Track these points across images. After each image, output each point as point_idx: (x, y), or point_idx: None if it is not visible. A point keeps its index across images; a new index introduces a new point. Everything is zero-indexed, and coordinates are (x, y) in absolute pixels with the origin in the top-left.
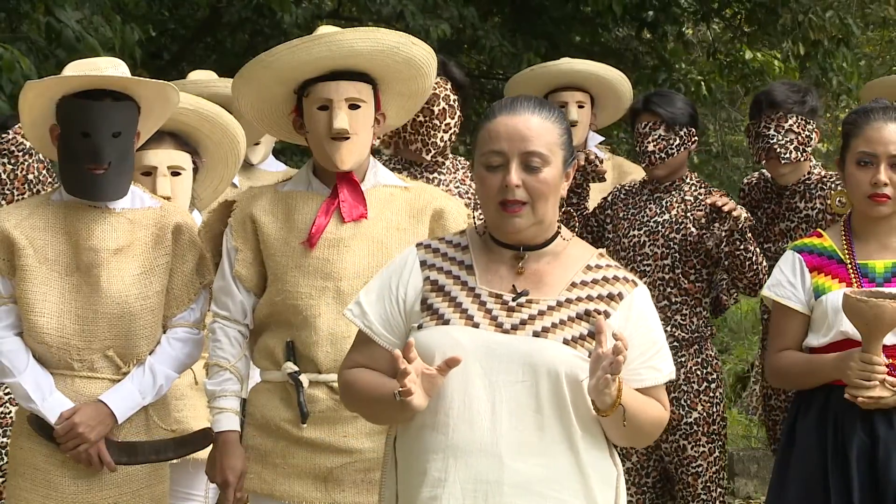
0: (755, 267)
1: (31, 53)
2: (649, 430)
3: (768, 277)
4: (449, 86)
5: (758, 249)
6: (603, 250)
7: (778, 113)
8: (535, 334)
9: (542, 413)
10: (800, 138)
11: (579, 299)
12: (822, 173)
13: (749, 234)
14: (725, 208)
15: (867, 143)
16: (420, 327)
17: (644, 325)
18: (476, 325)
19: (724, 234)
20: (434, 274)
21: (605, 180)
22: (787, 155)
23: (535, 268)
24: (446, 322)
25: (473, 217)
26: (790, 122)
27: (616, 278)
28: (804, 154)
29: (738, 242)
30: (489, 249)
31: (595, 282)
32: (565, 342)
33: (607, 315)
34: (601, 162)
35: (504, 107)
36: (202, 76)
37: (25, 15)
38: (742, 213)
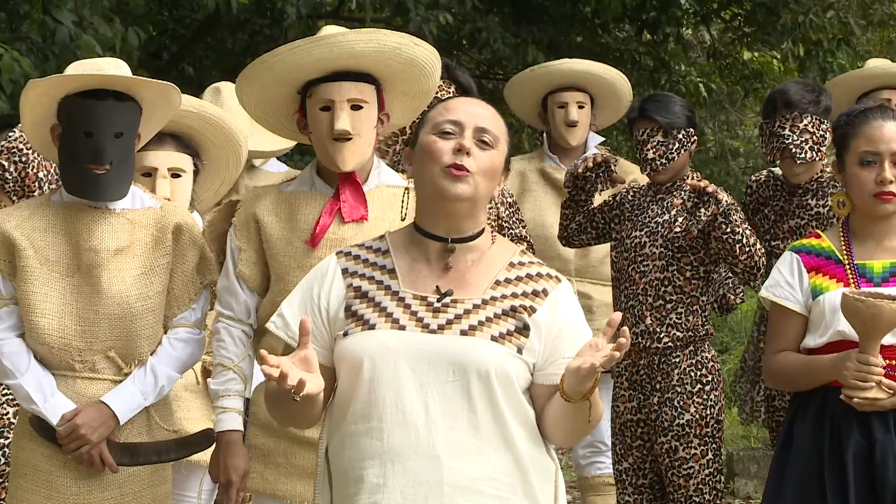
0: (747, 249)
1: (31, 53)
2: (591, 427)
3: (765, 260)
4: (452, 89)
5: (748, 231)
6: (524, 247)
7: (793, 113)
8: (463, 333)
9: (475, 412)
10: (814, 138)
11: (504, 297)
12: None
13: (734, 217)
14: (709, 189)
15: (869, 142)
16: (346, 334)
17: (571, 320)
18: (402, 328)
19: (708, 218)
20: (356, 281)
21: (617, 185)
22: (803, 155)
23: (459, 267)
24: (372, 327)
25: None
26: (805, 121)
27: (539, 275)
28: (819, 154)
29: (723, 226)
30: (412, 249)
31: (519, 279)
32: (493, 339)
33: (533, 310)
34: (616, 162)
35: (459, 96)
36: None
37: (25, 15)
38: (724, 195)
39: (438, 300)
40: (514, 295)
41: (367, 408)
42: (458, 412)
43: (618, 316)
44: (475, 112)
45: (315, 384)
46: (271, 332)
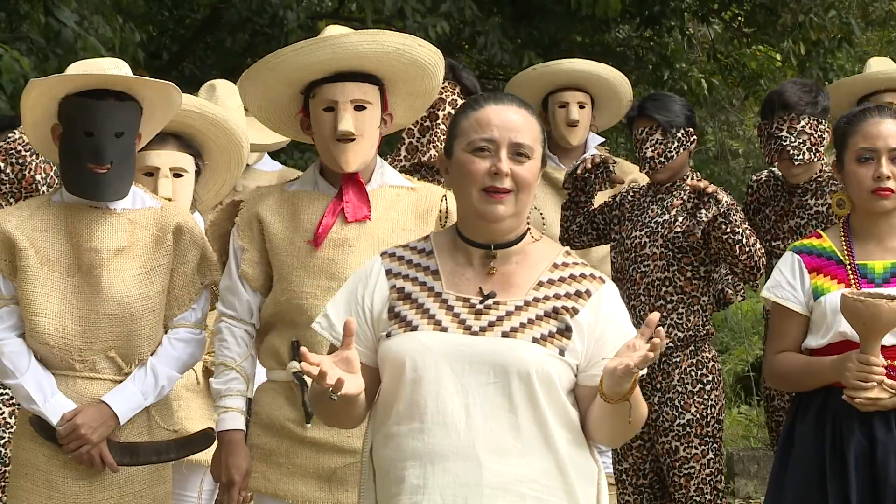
0: (747, 249)
1: (32, 54)
2: (635, 428)
3: (765, 259)
4: (457, 90)
5: (748, 231)
6: (568, 248)
7: (790, 114)
8: (504, 335)
9: (515, 413)
10: (812, 139)
11: (547, 298)
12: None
13: (734, 217)
14: (709, 190)
15: (866, 139)
16: (389, 335)
17: (615, 321)
18: (444, 329)
19: (708, 218)
20: (400, 282)
21: (616, 185)
22: (801, 156)
23: (503, 269)
24: (414, 328)
25: None
26: (802, 123)
27: (583, 276)
28: (817, 154)
29: (723, 226)
30: (455, 252)
31: (562, 280)
32: (535, 340)
33: (576, 312)
34: (614, 163)
35: (489, 98)
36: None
37: (25, 15)
38: (724, 196)
39: (481, 302)
40: (557, 296)
41: (409, 409)
42: (498, 413)
43: (655, 316)
44: (508, 123)
45: (354, 385)
46: (276, 332)
